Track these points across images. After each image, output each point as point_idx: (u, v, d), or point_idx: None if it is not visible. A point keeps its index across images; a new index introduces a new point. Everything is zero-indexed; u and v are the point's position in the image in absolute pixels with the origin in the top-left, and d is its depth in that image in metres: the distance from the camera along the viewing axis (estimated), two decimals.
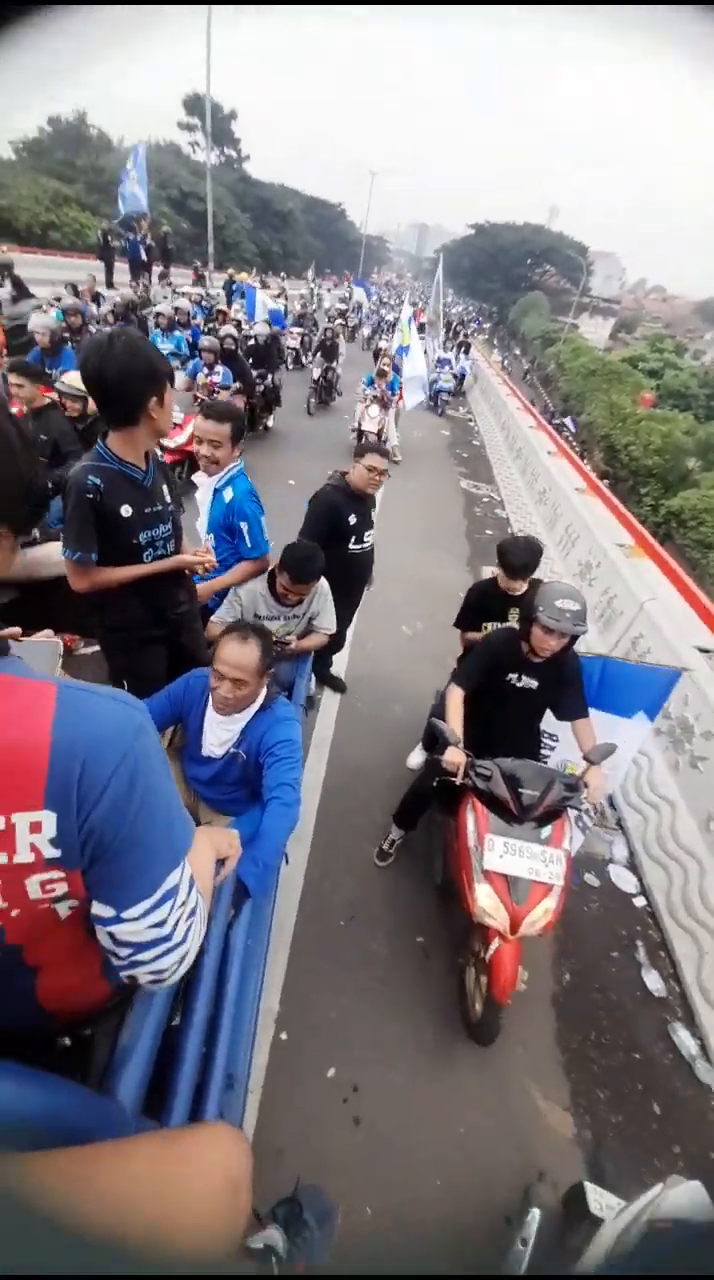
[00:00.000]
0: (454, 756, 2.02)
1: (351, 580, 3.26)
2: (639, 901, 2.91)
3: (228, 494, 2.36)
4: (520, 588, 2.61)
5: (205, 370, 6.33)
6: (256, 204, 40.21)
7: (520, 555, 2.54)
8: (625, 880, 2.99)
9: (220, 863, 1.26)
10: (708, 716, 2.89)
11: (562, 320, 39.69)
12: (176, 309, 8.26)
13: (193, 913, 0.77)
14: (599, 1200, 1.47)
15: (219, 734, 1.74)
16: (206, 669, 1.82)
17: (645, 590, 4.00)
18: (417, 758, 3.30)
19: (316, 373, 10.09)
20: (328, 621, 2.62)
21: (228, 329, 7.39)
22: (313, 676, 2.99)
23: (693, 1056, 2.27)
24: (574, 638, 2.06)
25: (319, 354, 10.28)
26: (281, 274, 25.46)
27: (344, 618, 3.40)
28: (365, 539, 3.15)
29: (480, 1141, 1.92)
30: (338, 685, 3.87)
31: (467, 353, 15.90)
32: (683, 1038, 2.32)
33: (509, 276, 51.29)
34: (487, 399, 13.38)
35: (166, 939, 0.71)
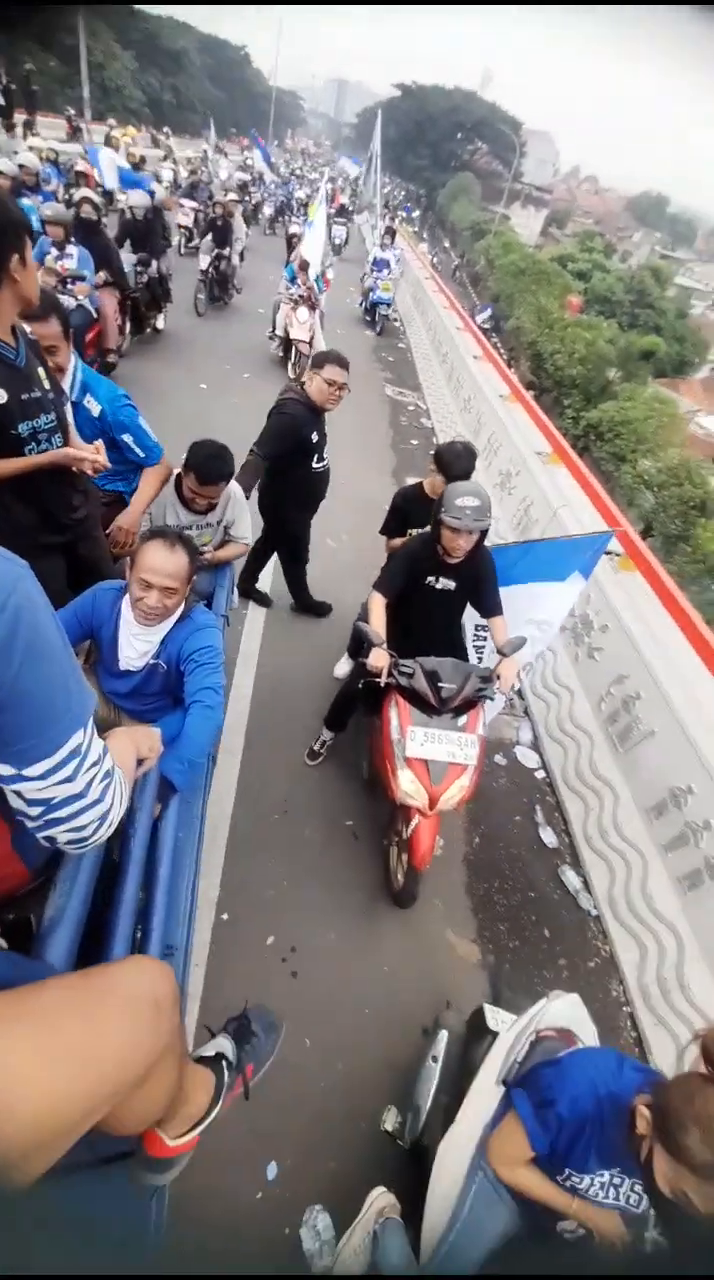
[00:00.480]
0: (378, 658, 2.11)
1: (315, 500, 3.21)
2: (540, 774, 3.31)
3: (92, 405, 2.10)
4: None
5: (53, 251, 4.65)
6: (142, 39, 33.16)
7: (461, 461, 2.51)
8: (529, 758, 3.37)
9: (142, 763, 1.29)
10: (606, 613, 3.16)
11: (493, 209, 37.04)
12: (21, 167, 6.48)
13: (108, 774, 0.78)
14: (495, 1018, 1.70)
15: (138, 646, 1.70)
16: (113, 581, 1.75)
17: (559, 497, 4.16)
18: (343, 667, 3.39)
19: (205, 261, 8.22)
20: (244, 530, 2.52)
21: (85, 192, 5.43)
22: (236, 589, 2.94)
23: (576, 890, 2.73)
24: (483, 534, 2.14)
25: (208, 236, 8.17)
26: (165, 131, 20.88)
27: (305, 537, 3.34)
28: (324, 456, 3.03)
29: (402, 978, 2.25)
30: (264, 600, 3.84)
31: (393, 240, 14.61)
32: (569, 877, 2.77)
33: (438, 153, 46.51)
34: (414, 298, 12.57)
35: (80, 795, 0.73)
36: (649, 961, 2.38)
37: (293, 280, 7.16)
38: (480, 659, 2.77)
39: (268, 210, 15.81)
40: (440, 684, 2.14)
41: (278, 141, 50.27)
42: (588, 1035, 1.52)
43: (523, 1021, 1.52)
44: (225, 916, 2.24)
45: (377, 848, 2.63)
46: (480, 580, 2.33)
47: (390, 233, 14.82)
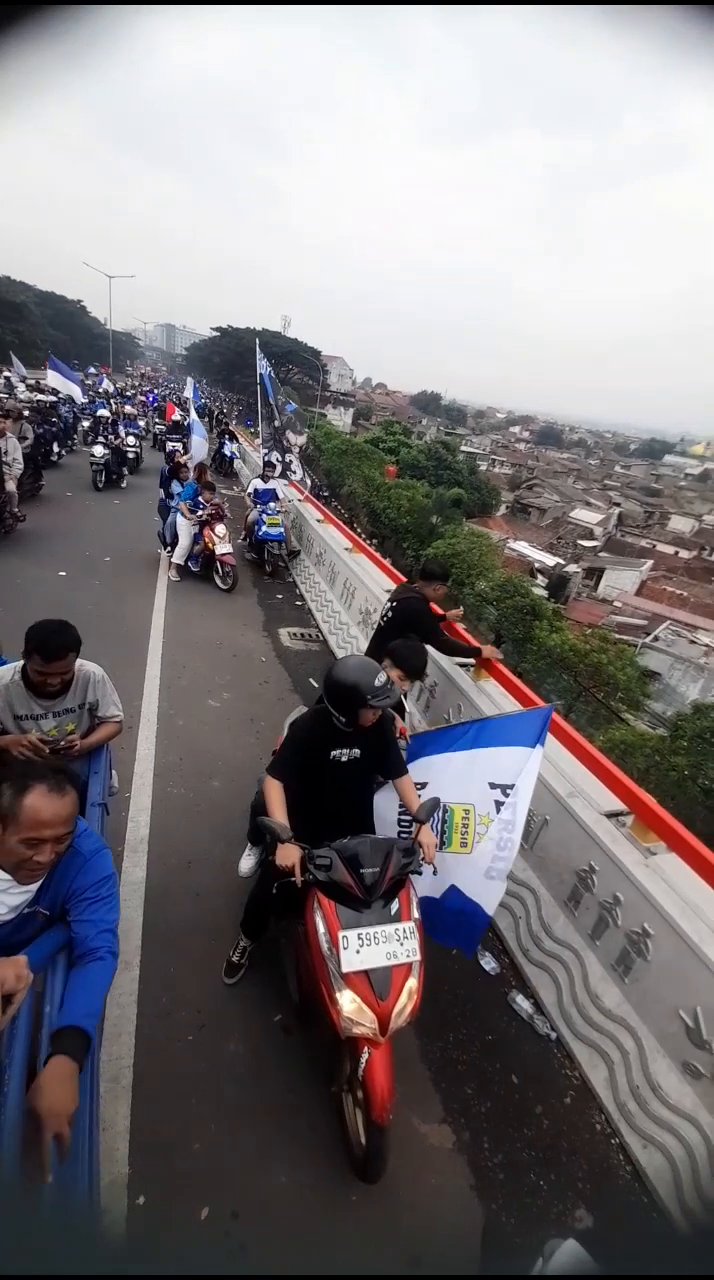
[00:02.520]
0: (286, 854, 1.85)
1: None
2: None
3: None
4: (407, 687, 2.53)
5: None
6: None
7: (419, 655, 2.64)
8: None
9: (9, 1001, 1.08)
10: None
11: (311, 410, 45.23)
12: None
13: None
14: None
15: (9, 900, 1.41)
16: None
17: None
18: (248, 861, 2.92)
19: None
20: (111, 708, 2.36)
21: None
22: (114, 772, 2.73)
23: (530, 1015, 2.57)
24: None
25: None
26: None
27: None
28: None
29: (375, 1200, 1.86)
30: None
31: (233, 439, 16.80)
32: (520, 1003, 2.62)
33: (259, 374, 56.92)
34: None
35: None
36: (618, 1074, 2.26)
37: (195, 499, 7.00)
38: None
39: (85, 424, 14.35)
40: (362, 869, 1.89)
41: (122, 369, 57.66)
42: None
43: None
44: (141, 1200, 1.74)
45: (313, 1038, 2.26)
46: (384, 739, 2.21)
47: (229, 435, 15.36)
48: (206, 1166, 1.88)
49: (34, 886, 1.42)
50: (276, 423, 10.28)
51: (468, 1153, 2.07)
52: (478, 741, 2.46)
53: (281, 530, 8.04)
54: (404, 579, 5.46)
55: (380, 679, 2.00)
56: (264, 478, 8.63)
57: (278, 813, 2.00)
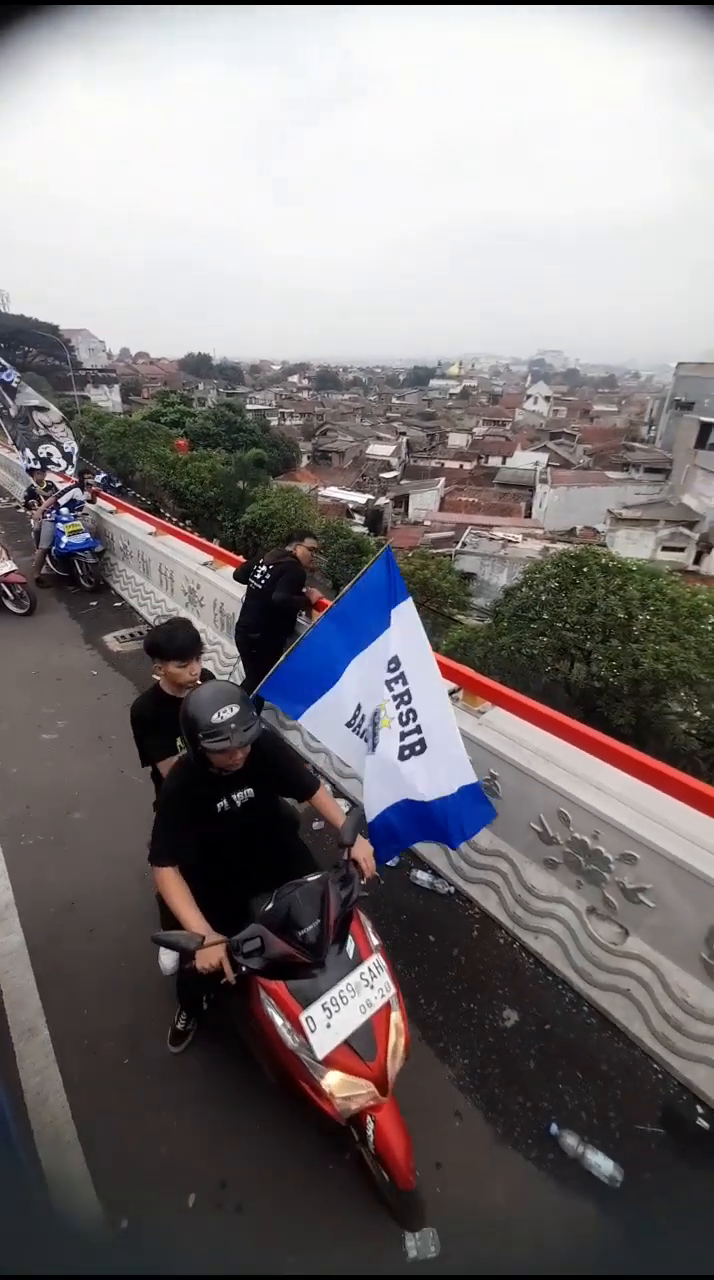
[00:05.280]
0: (207, 958, 1.54)
1: None
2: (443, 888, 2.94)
3: None
4: (191, 673, 2.11)
5: None
6: None
7: (178, 636, 2.10)
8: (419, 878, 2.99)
9: None
10: None
11: (68, 395, 39.84)
12: None
13: None
14: None
15: None
16: None
17: (238, 590, 4.62)
18: (168, 959, 2.14)
19: None
20: None
21: None
22: None
23: (430, 883, 2.95)
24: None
25: None
26: None
27: None
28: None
29: None
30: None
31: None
32: (420, 877, 2.97)
33: None
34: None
35: None
36: (504, 893, 2.70)
37: None
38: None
39: None
40: (300, 930, 1.58)
41: None
42: None
43: None
44: (124, 1224, 1.70)
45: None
46: (277, 764, 1.87)
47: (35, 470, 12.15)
48: (179, 1162, 1.89)
49: None
50: (10, 411, 8.72)
51: (410, 1013, 2.35)
52: (351, 637, 2.42)
53: (87, 535, 6.89)
54: (222, 550, 5.33)
55: (224, 712, 1.60)
56: (40, 488, 7.19)
57: (183, 909, 1.67)
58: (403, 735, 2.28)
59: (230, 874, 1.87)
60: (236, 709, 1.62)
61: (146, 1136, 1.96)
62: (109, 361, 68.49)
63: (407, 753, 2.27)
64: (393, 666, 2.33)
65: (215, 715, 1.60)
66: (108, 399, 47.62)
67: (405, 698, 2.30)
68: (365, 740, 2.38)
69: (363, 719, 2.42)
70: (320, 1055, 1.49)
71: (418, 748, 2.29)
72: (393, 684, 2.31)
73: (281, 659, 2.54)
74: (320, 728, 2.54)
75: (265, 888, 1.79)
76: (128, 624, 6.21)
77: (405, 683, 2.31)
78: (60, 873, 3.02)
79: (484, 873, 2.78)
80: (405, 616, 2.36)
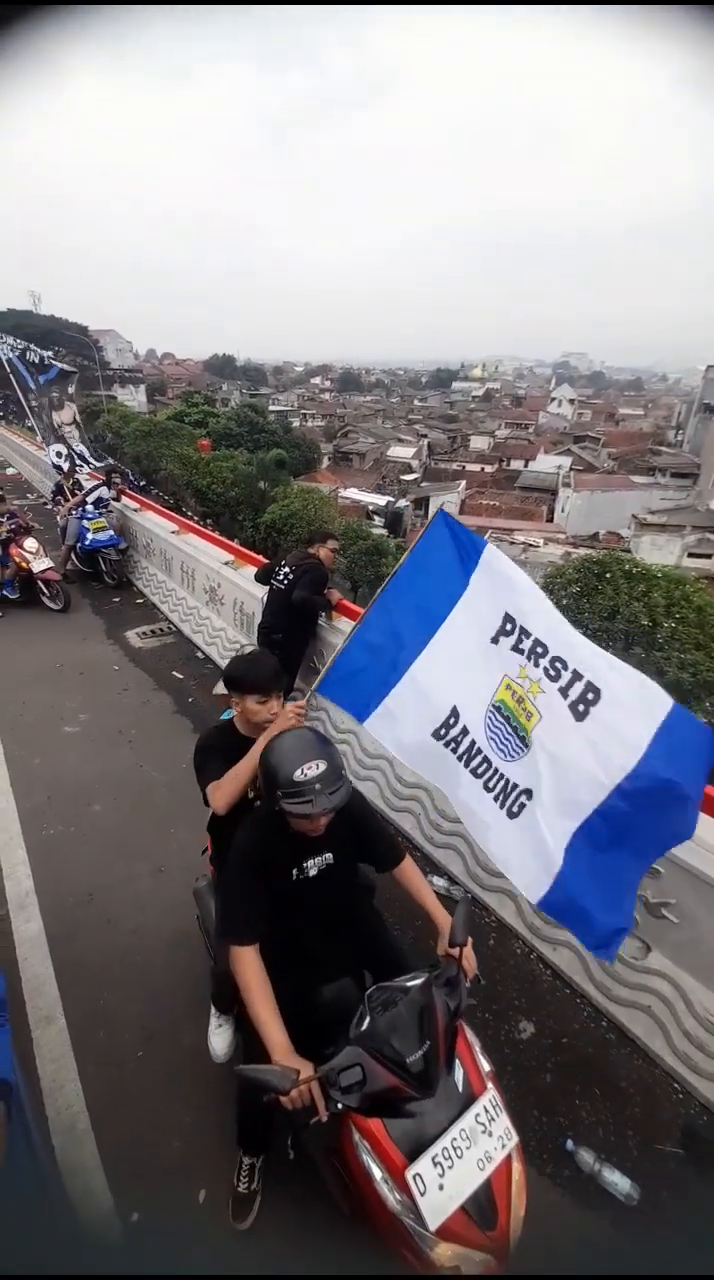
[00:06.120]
0: (300, 1095, 1.24)
1: None
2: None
3: None
4: (270, 712, 1.82)
5: None
6: None
7: (263, 668, 1.84)
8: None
9: None
10: None
11: (96, 394, 40.66)
12: None
13: None
14: None
15: None
16: None
17: (259, 590, 4.65)
18: (220, 1040, 1.98)
19: None
20: None
21: None
22: None
23: (446, 889, 2.91)
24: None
25: None
26: None
27: None
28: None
29: None
30: None
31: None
32: (436, 882, 2.95)
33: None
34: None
35: None
36: (521, 903, 2.67)
37: None
38: None
39: None
40: (403, 1056, 1.25)
41: None
42: None
43: None
44: (135, 1217, 1.71)
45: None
46: (361, 826, 1.62)
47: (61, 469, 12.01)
48: (192, 1157, 1.90)
49: None
50: (33, 402, 8.92)
51: None
52: (419, 619, 1.98)
53: (112, 532, 6.96)
54: (243, 549, 5.39)
55: (308, 770, 1.37)
56: (68, 485, 7.39)
57: (266, 1018, 1.36)
58: (565, 693, 1.70)
59: (302, 955, 1.58)
60: (323, 766, 1.39)
61: (159, 1129, 1.98)
62: (136, 362, 69.70)
63: (581, 709, 1.68)
64: (508, 628, 1.84)
65: (298, 772, 1.37)
66: (134, 399, 48.42)
67: (539, 650, 1.77)
68: (468, 759, 1.88)
69: (465, 730, 1.88)
70: (433, 1226, 1.19)
71: (590, 696, 1.67)
72: (521, 645, 1.81)
73: (337, 651, 2.08)
74: (392, 733, 2.02)
75: (335, 971, 1.58)
76: (149, 620, 6.30)
77: (527, 636, 1.80)
78: (79, 863, 3.07)
79: (501, 881, 2.75)
80: (493, 568, 1.91)
